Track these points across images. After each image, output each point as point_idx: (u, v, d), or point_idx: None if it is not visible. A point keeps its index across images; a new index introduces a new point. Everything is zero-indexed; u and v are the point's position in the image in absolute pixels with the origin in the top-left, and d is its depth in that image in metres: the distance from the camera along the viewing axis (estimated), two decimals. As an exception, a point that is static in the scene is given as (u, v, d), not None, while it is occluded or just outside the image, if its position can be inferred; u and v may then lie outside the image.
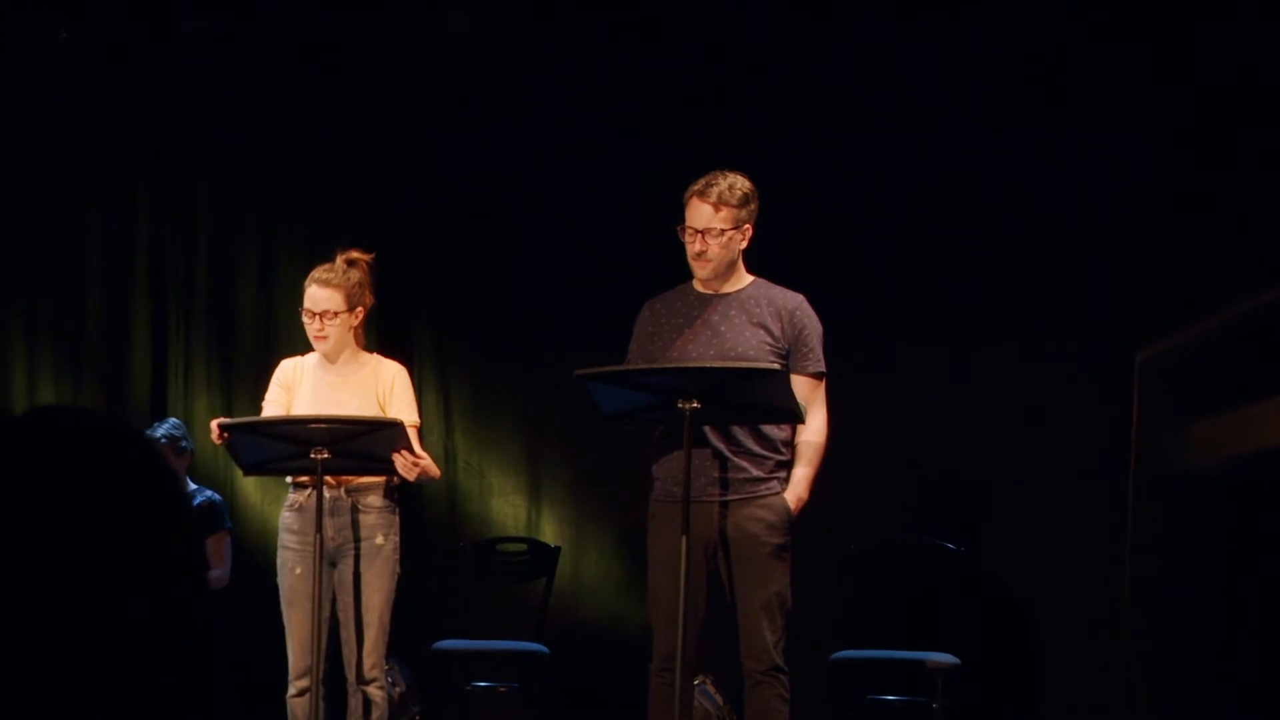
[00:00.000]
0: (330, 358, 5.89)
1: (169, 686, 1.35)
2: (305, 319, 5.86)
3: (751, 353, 5.40)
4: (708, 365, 5.27)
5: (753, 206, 5.46)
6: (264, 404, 5.98)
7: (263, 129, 7.90)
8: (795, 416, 5.31)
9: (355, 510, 5.81)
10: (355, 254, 5.88)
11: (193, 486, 7.28)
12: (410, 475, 5.64)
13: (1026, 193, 7.18)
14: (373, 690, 5.82)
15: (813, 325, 5.50)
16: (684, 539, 5.20)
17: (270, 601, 5.92)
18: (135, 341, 7.95)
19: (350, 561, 5.80)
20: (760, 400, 5.22)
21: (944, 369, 7.25)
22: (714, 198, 5.42)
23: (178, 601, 1.37)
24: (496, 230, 7.74)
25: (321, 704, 5.76)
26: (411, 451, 5.60)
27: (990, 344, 7.19)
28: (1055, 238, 7.15)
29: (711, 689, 6.28)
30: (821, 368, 5.50)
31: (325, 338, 5.82)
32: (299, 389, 5.91)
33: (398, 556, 5.86)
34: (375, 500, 5.82)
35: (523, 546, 7.52)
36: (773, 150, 7.13)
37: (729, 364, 5.29)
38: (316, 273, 5.85)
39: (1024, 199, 7.18)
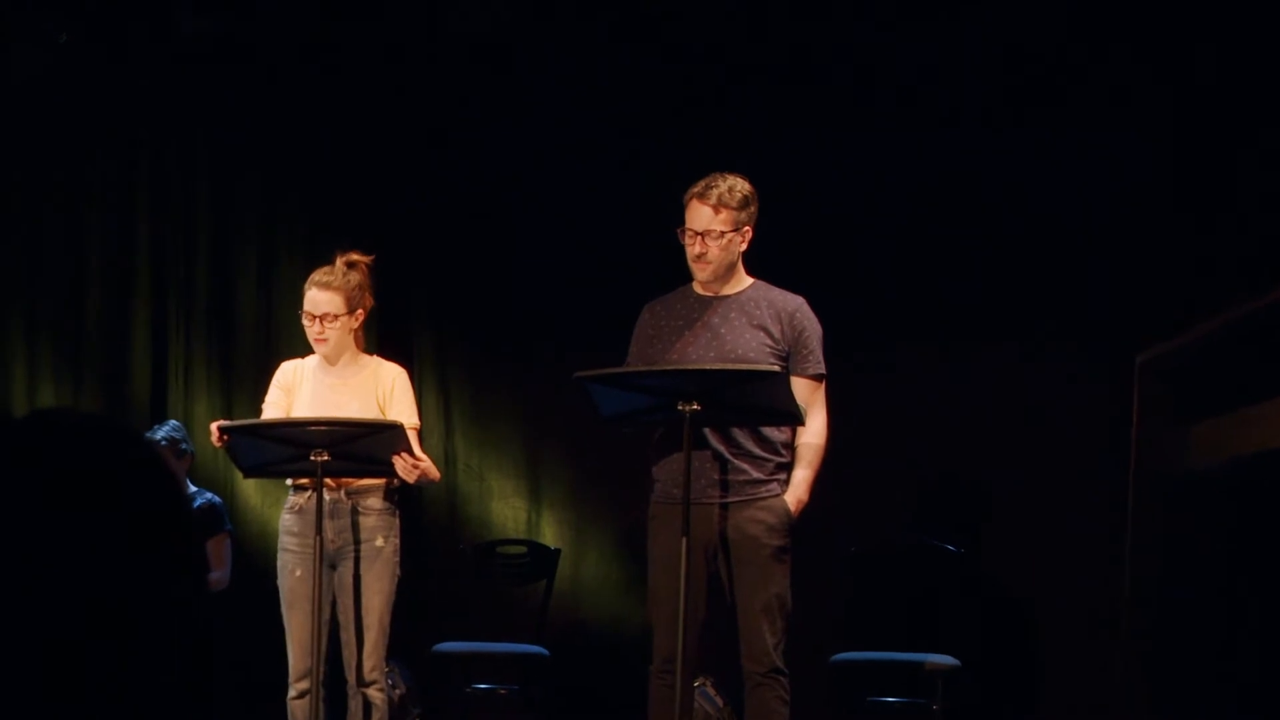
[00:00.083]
0: (330, 360, 5.88)
1: (169, 686, 1.35)
2: (305, 322, 5.86)
3: (751, 355, 5.39)
4: (708, 367, 5.27)
5: (752, 209, 5.46)
6: (264, 406, 5.98)
7: (263, 129, 7.89)
8: (795, 419, 5.31)
9: (355, 512, 5.81)
10: (355, 256, 5.88)
11: (193, 489, 7.28)
12: (410, 478, 5.64)
13: (1026, 193, 7.18)
14: (373, 692, 5.82)
15: (813, 327, 5.50)
16: (684, 540, 5.20)
17: (270, 604, 5.92)
18: (135, 342, 7.95)
19: (350, 564, 5.80)
20: (760, 402, 5.22)
21: (944, 369, 7.25)
22: (713, 200, 5.42)
23: (178, 601, 1.37)
24: (496, 230, 7.74)
25: (322, 706, 5.76)
26: (411, 454, 5.60)
27: (990, 344, 7.20)
28: (1055, 238, 7.15)
29: (712, 691, 6.28)
30: (821, 370, 5.49)
31: (325, 340, 5.82)
32: (299, 391, 5.91)
33: (398, 559, 5.85)
34: (375, 502, 5.82)
35: (523, 549, 7.51)
36: (773, 150, 7.13)
37: (729, 366, 5.29)
38: (316, 275, 5.84)
39: (1024, 199, 7.18)
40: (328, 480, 5.70)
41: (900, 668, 6.68)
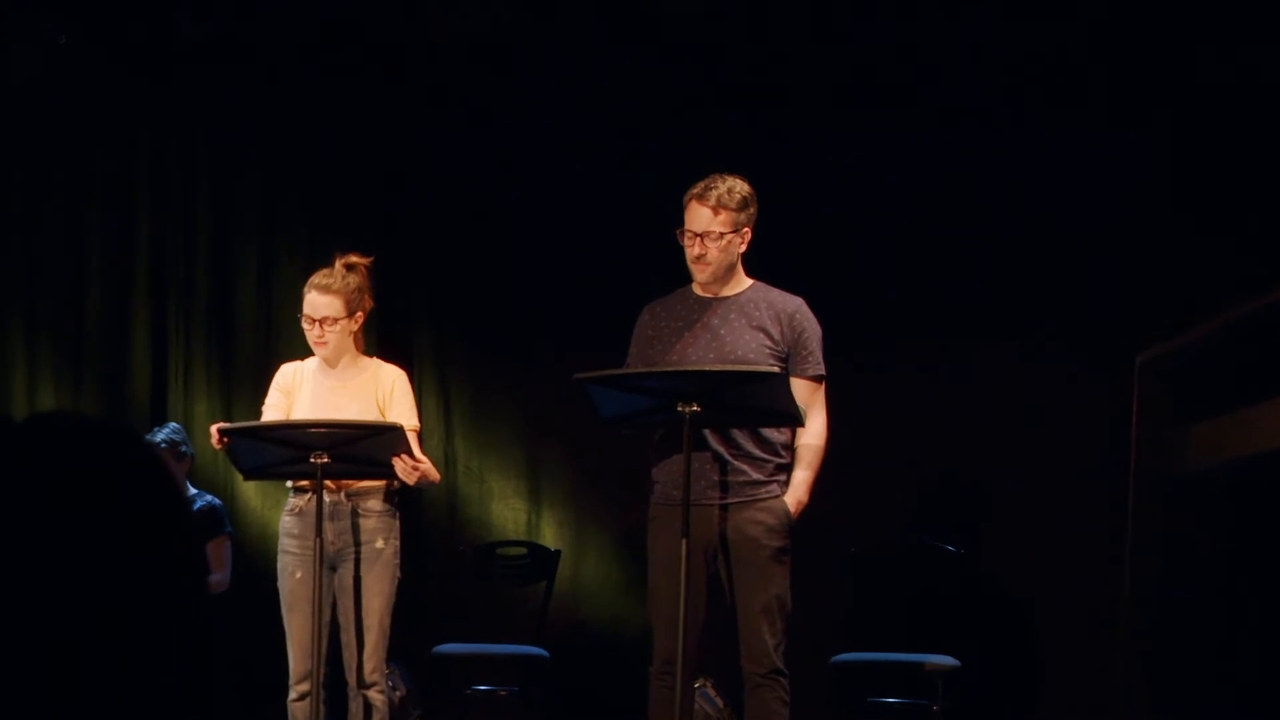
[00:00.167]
0: (330, 362, 5.88)
1: (169, 686, 1.35)
2: (305, 325, 5.85)
3: (751, 356, 5.39)
4: (707, 368, 5.27)
5: (752, 210, 5.45)
6: (264, 409, 5.98)
7: (263, 129, 7.90)
8: (795, 420, 5.31)
9: (355, 514, 5.81)
10: (354, 258, 5.88)
11: (193, 491, 7.28)
12: (410, 479, 5.64)
13: (1026, 193, 7.18)
14: (373, 694, 5.82)
15: (812, 328, 5.50)
16: (684, 542, 5.20)
17: (270, 606, 5.91)
18: (135, 342, 7.95)
19: (350, 565, 5.80)
20: (760, 403, 5.22)
21: (944, 369, 7.25)
22: (713, 201, 5.41)
23: (177, 603, 1.38)
24: (496, 230, 7.74)
25: (322, 708, 5.76)
26: (411, 455, 5.60)
27: (990, 344, 7.20)
28: (1055, 238, 7.15)
29: (712, 692, 6.28)
30: (821, 371, 5.49)
31: (325, 344, 5.81)
32: (299, 394, 5.90)
33: (398, 560, 5.85)
34: (375, 504, 5.82)
35: (523, 550, 7.51)
36: (773, 150, 7.13)
37: (728, 367, 5.28)
38: (315, 278, 5.84)
39: (1024, 199, 7.18)
40: (328, 482, 5.69)
41: (900, 668, 6.68)
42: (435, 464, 5.96)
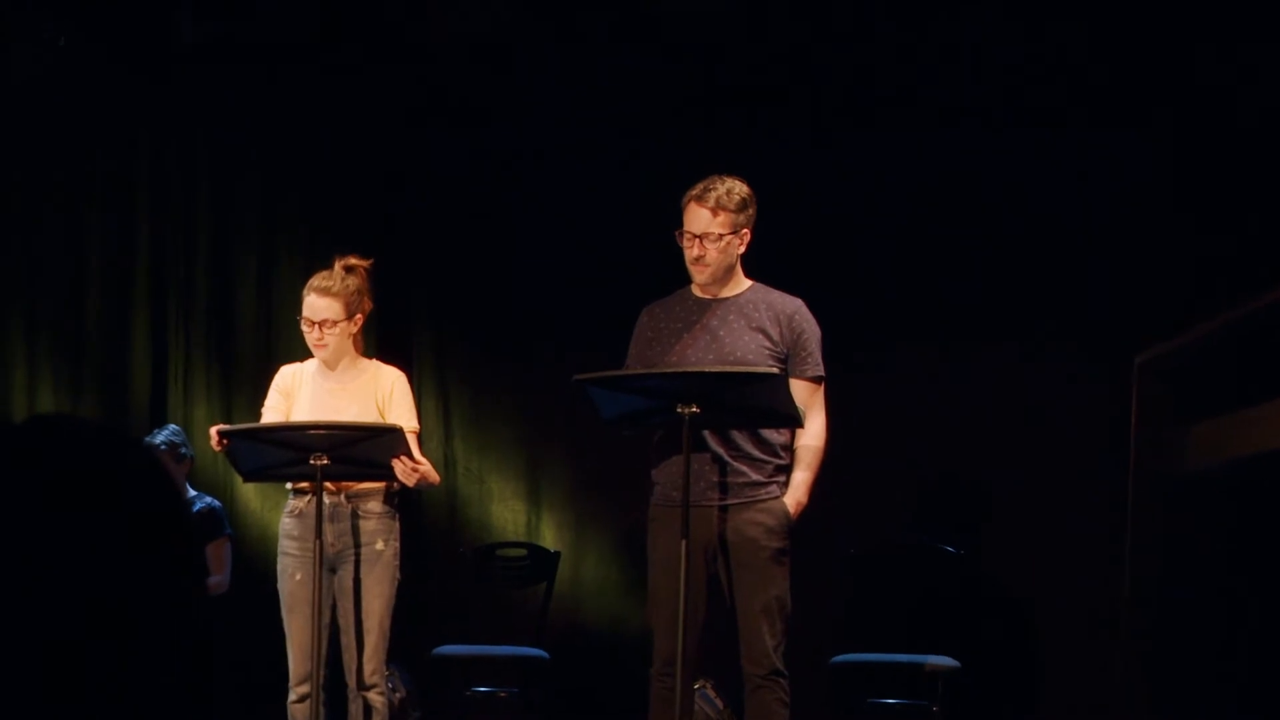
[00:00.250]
0: (330, 364, 5.88)
1: (169, 687, 1.35)
2: (304, 327, 5.85)
3: (750, 357, 5.39)
4: (706, 370, 5.26)
5: (751, 211, 5.45)
6: (263, 410, 5.97)
7: (263, 129, 7.90)
8: (794, 421, 5.31)
9: (355, 516, 5.80)
10: (353, 260, 5.87)
11: (192, 493, 7.28)
12: (410, 481, 5.63)
13: (1026, 193, 7.18)
14: (373, 696, 5.81)
15: (811, 329, 5.49)
16: (684, 543, 5.20)
17: (270, 607, 5.91)
18: (135, 343, 7.94)
19: (350, 567, 5.80)
20: (759, 404, 5.21)
21: (944, 369, 7.25)
22: (712, 202, 5.41)
23: (177, 602, 1.38)
24: (496, 230, 7.74)
25: (322, 710, 5.76)
26: (411, 457, 5.59)
27: (990, 344, 7.20)
28: (1055, 238, 7.15)
29: (712, 693, 6.28)
30: (820, 372, 5.49)
31: (324, 346, 5.81)
32: (298, 396, 5.90)
33: (398, 562, 5.85)
34: (375, 506, 5.82)
35: (523, 551, 7.51)
36: (773, 150, 7.13)
37: (728, 368, 5.28)
38: (315, 281, 5.83)
39: (1024, 199, 7.18)
40: (327, 484, 5.69)
41: (900, 669, 6.68)
42: (435, 465, 5.96)
